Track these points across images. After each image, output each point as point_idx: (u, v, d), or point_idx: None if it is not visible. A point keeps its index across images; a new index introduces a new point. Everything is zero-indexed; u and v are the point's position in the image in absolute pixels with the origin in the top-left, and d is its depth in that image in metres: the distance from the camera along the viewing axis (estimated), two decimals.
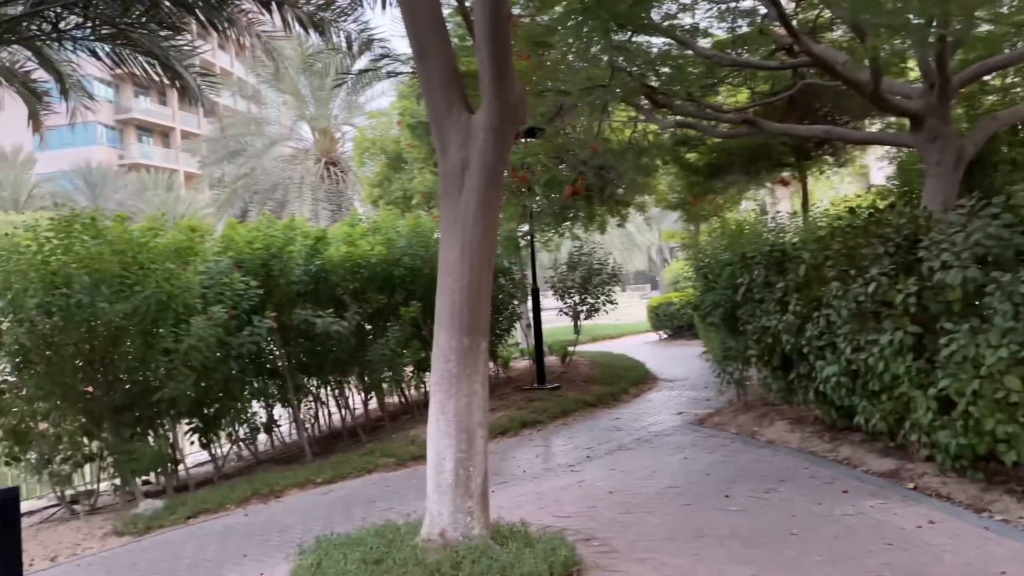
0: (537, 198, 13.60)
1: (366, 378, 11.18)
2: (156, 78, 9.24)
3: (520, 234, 14.29)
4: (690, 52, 8.97)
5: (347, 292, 10.74)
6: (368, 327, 11.15)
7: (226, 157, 29.73)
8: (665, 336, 23.37)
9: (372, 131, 21.76)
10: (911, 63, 10.63)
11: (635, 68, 8.74)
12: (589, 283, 14.06)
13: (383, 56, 8.99)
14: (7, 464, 8.14)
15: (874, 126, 14.01)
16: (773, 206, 24.94)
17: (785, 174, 16.26)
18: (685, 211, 18.23)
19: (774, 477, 6.85)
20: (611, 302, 14.35)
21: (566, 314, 14.42)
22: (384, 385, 11.52)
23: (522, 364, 15.17)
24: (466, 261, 4.85)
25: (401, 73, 9.53)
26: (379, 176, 20.22)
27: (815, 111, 12.89)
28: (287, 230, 10.45)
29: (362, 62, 10.48)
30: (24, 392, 7.99)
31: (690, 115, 10.37)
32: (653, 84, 9.54)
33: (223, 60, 52.20)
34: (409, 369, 11.98)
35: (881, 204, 10.48)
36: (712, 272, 10.33)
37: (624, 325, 28.10)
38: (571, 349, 15.11)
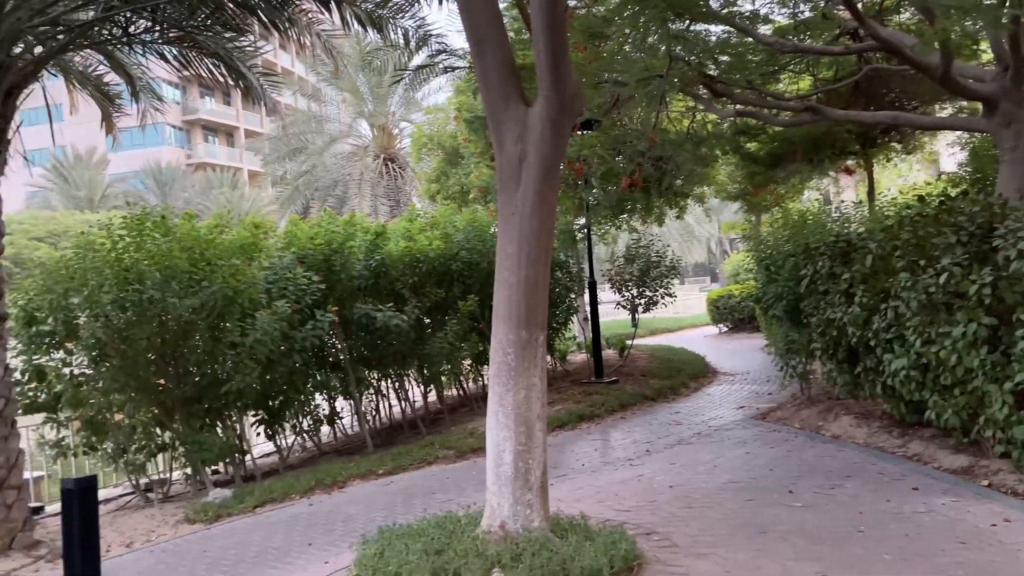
0: (594, 190, 13.53)
1: (425, 371, 11.32)
2: (221, 79, 9.49)
3: (577, 227, 14.25)
4: (750, 39, 8.78)
5: (406, 286, 10.87)
6: (427, 321, 11.27)
7: (288, 155, 30.37)
8: (725, 329, 23.02)
9: (429, 127, 21.94)
10: (983, 45, 10.22)
11: (693, 57, 8.61)
12: (647, 276, 13.93)
13: (440, 52, 9.05)
14: (85, 453, 8.49)
15: (944, 111, 13.52)
16: (837, 195, 24.31)
17: (850, 162, 15.82)
18: (745, 202, 17.91)
19: (840, 473, 6.69)
20: (669, 295, 14.21)
21: (624, 307, 14.33)
22: (443, 378, 11.65)
23: (579, 357, 15.14)
24: (523, 254, 4.85)
25: (458, 68, 9.59)
26: (436, 171, 20.38)
27: (881, 97, 12.50)
28: (348, 226, 10.63)
29: (419, 58, 10.58)
30: (100, 384, 8.31)
31: (750, 104, 10.16)
32: (712, 73, 9.38)
33: (284, 60, 53.25)
34: (467, 362, 12.10)
35: (953, 192, 10.12)
36: (774, 263, 10.13)
37: (683, 318, 27.81)
38: (629, 342, 15.02)
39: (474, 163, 16.56)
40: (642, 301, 14.07)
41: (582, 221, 13.87)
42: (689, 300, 31.82)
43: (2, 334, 6.99)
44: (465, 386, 12.50)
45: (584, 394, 11.82)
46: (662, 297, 14.08)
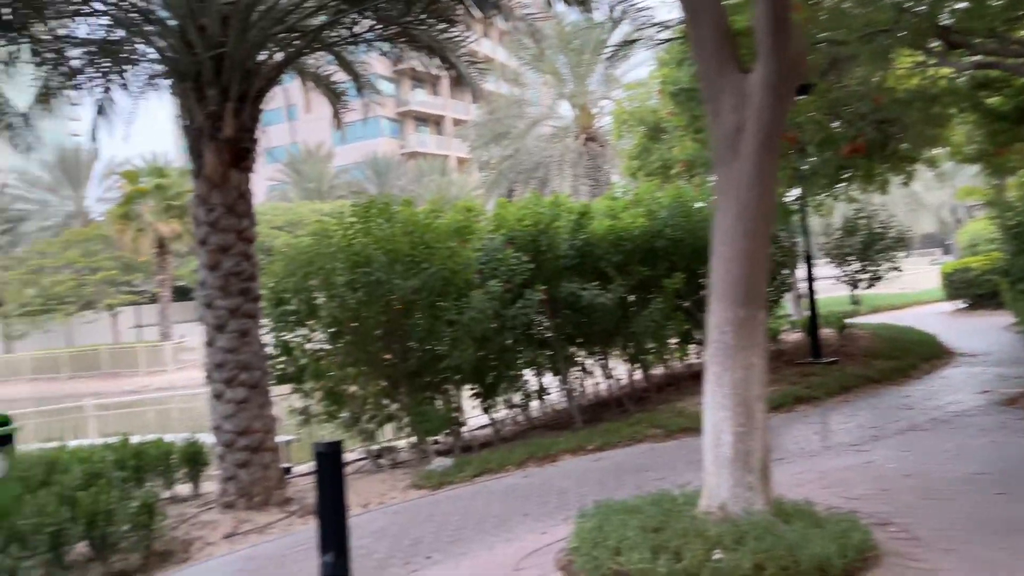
0: (810, 159, 12.73)
1: (630, 349, 11.29)
2: (433, 70, 9.99)
3: (790, 198, 13.51)
4: None
5: (611, 264, 10.86)
6: (631, 299, 11.21)
7: (492, 140, 31.37)
8: (962, 306, 20.82)
9: (630, 103, 21.69)
10: None
11: (923, 7, 7.81)
12: (870, 249, 12.93)
13: (645, 25, 8.90)
14: (326, 420, 9.37)
15: None
16: None
17: None
18: (987, 164, 16.00)
19: None
20: (895, 269, 13.10)
21: (844, 283, 13.41)
22: (648, 356, 11.57)
23: (792, 337, 14.38)
24: (741, 228, 4.67)
25: (667, 40, 9.36)
26: (637, 147, 20.13)
27: None
28: (553, 206, 10.81)
29: (620, 34, 10.46)
30: (337, 359, 9.12)
31: (992, 54, 9.06)
32: (946, 23, 8.46)
33: (485, 47, 54.95)
34: (673, 340, 11.93)
35: None
36: None
37: (910, 294, 25.53)
38: (849, 320, 14.04)
39: (678, 137, 16.16)
40: (864, 276, 13.09)
41: (795, 192, 13.11)
42: (917, 274, 29.12)
43: (256, 313, 7.87)
44: (671, 365, 12.33)
45: (800, 375, 11.23)
46: (887, 271, 13.01)
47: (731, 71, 4.70)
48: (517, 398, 10.62)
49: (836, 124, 12.31)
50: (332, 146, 51.99)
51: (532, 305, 9.59)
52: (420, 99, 60.72)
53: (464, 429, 10.03)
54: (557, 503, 6.73)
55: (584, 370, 11.53)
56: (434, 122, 62.98)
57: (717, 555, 4.16)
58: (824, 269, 14.55)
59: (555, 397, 11.47)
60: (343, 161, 52.70)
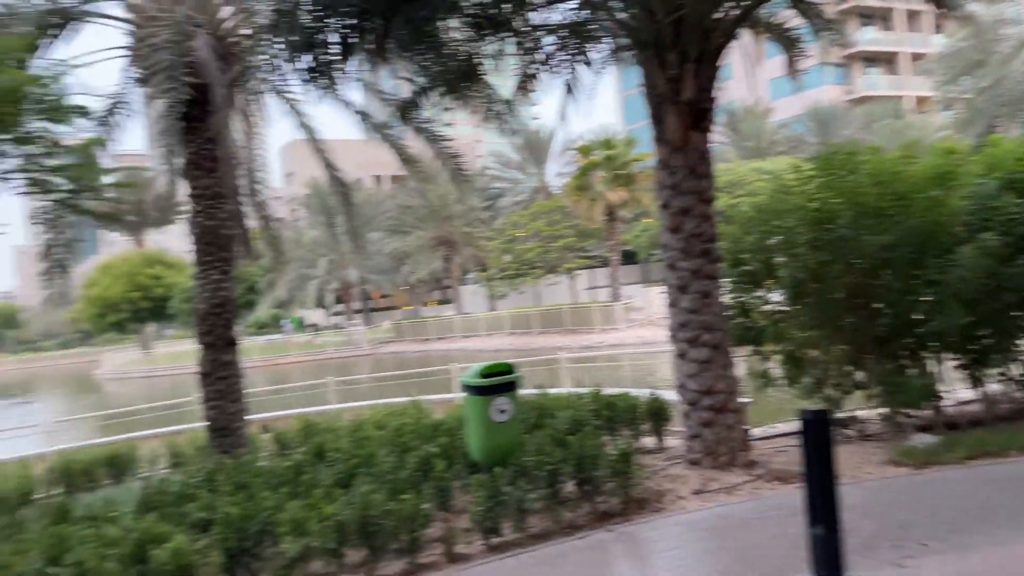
0: None
1: None
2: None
3: None
4: None
5: None
6: None
7: (964, 71, 26.93)
8: None
9: None
10: None
11: None
12: None
13: None
14: (785, 385, 9.03)
15: None
16: None
17: None
18: None
19: None
20: None
21: None
22: None
23: None
24: None
25: None
26: None
27: None
28: None
29: None
30: (797, 321, 8.70)
31: None
32: None
33: None
34: None
35: None
36: None
37: None
38: None
39: None
40: None
41: None
42: None
43: (717, 275, 7.86)
44: None
45: None
46: None
47: None
48: (1016, 371, 8.99)
49: None
50: (769, 101, 50.18)
51: None
52: (869, 37, 55.01)
53: (945, 403, 8.82)
54: None
55: None
56: (885, 61, 56.60)
57: None
58: None
59: None
60: (782, 116, 50.49)
